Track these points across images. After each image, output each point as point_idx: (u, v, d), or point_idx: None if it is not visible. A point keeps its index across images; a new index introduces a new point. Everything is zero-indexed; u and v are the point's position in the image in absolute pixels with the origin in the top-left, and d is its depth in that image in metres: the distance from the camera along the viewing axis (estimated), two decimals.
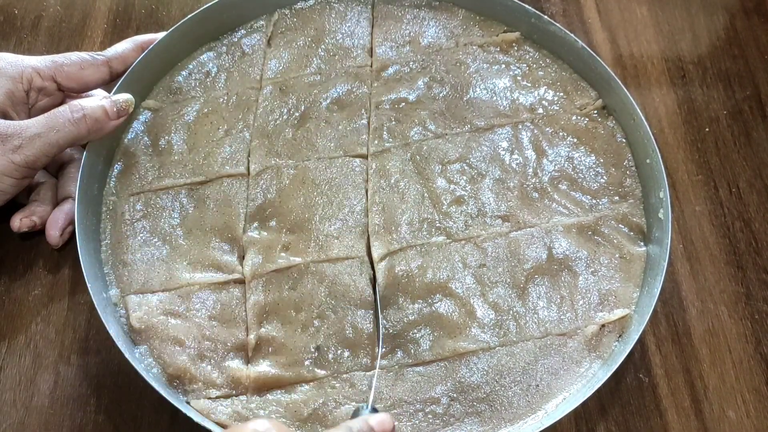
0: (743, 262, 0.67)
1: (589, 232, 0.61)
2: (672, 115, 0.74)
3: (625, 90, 0.64)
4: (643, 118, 0.63)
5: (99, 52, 0.61)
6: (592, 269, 0.60)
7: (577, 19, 0.80)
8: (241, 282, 0.58)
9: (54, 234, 0.59)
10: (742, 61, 0.78)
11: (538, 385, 0.56)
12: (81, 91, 0.62)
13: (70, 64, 0.60)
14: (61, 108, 0.56)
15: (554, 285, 0.59)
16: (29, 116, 0.58)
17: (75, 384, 0.59)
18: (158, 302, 0.57)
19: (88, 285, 0.54)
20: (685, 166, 0.72)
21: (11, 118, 0.56)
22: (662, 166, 0.61)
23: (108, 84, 0.62)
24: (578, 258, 0.60)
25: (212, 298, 0.57)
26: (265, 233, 0.60)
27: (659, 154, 0.62)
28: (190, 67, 0.68)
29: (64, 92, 0.61)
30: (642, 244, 0.62)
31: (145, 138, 0.64)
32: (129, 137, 0.64)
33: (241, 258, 0.59)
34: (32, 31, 0.76)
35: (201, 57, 0.68)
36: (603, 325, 0.58)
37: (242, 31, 0.70)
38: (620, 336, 0.58)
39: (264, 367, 0.55)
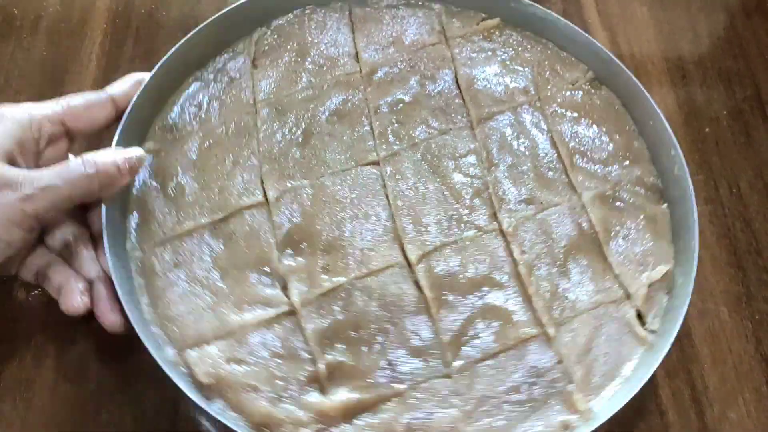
0: (744, 263, 0.67)
1: (610, 200, 0.63)
2: (672, 115, 0.74)
3: (611, 55, 0.66)
4: (636, 80, 0.65)
5: (101, 90, 0.60)
6: (623, 234, 0.62)
7: (577, 19, 0.80)
8: (292, 313, 0.57)
9: (114, 319, 0.56)
10: (743, 61, 0.78)
11: (606, 353, 0.57)
12: (89, 131, 0.60)
13: (77, 105, 0.58)
14: (74, 161, 0.54)
15: (592, 257, 0.60)
16: (37, 166, 0.56)
17: (75, 384, 0.59)
18: (218, 352, 0.56)
19: (153, 353, 0.53)
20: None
21: (20, 167, 0.54)
22: (666, 125, 0.63)
23: (114, 122, 0.61)
24: (606, 225, 0.62)
25: (269, 335, 0.56)
26: (301, 258, 0.59)
27: (661, 114, 0.63)
28: (181, 101, 0.66)
29: (72, 137, 0.59)
30: (662, 202, 0.64)
31: (154, 183, 0.62)
32: (137, 186, 0.62)
33: (284, 288, 0.58)
34: (32, 31, 0.76)
35: (189, 89, 0.66)
36: (650, 285, 0.59)
37: (225, 55, 0.68)
38: (669, 292, 0.60)
39: (343, 394, 0.54)
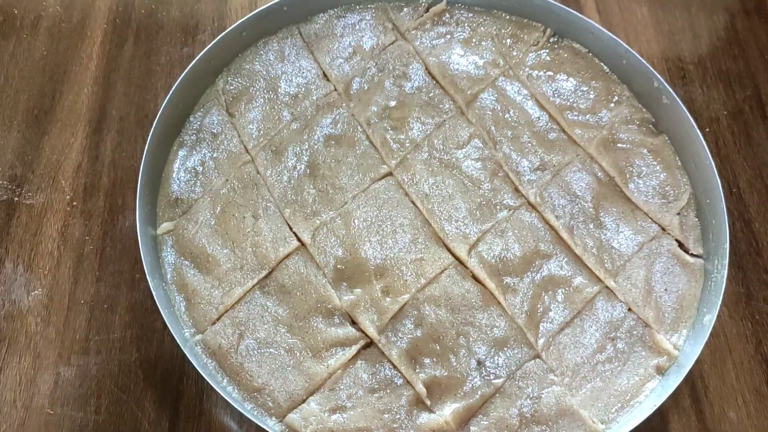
0: (744, 263, 0.67)
1: (612, 144, 0.65)
2: None
3: (567, 9, 0.67)
4: (596, 25, 0.67)
5: None
6: (636, 173, 0.64)
7: None
8: (370, 344, 0.57)
9: None
10: (743, 61, 0.78)
11: (666, 289, 0.60)
12: None
13: None
14: None
15: (618, 202, 0.63)
16: None
17: (75, 384, 0.59)
18: (317, 407, 0.55)
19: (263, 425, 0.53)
20: None
21: None
22: (641, 59, 0.65)
23: None
24: (619, 168, 0.64)
25: (358, 373, 0.56)
26: (358, 289, 0.58)
27: (631, 50, 0.65)
28: (174, 173, 0.63)
29: None
30: (657, 131, 0.66)
31: (185, 262, 0.60)
32: (169, 271, 0.60)
33: (353, 323, 0.58)
34: (32, 31, 0.76)
35: (177, 158, 0.64)
36: (678, 213, 0.62)
37: (198, 113, 0.66)
38: (696, 212, 0.63)
39: (450, 406, 0.55)
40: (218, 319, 0.58)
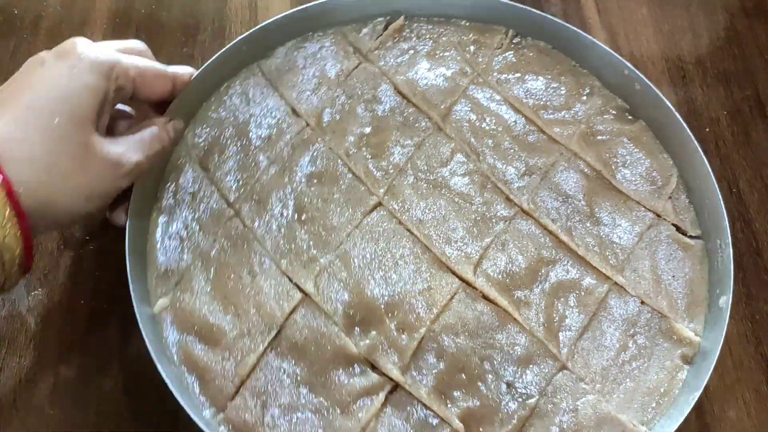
0: (744, 263, 0.67)
1: (591, 137, 0.65)
2: None
3: (527, 8, 0.68)
4: (557, 20, 0.67)
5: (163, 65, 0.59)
6: (621, 162, 0.64)
7: (577, 19, 0.80)
8: (397, 388, 0.55)
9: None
10: (742, 61, 0.78)
11: (674, 276, 0.60)
12: (145, 100, 0.58)
13: (147, 69, 0.56)
14: (148, 131, 0.57)
15: (609, 196, 0.63)
16: (97, 128, 0.53)
17: (75, 384, 0.59)
18: None
19: None
20: None
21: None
22: (608, 49, 0.66)
23: (167, 100, 0.60)
24: (603, 161, 0.64)
25: (391, 421, 0.54)
26: (372, 332, 0.57)
27: (596, 41, 0.66)
28: (158, 243, 0.60)
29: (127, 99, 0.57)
30: (632, 118, 0.67)
31: (189, 338, 0.57)
32: (175, 350, 0.56)
33: (374, 368, 0.56)
34: (32, 31, 0.76)
35: (159, 226, 0.61)
36: (669, 197, 0.63)
37: (173, 174, 0.63)
38: (687, 193, 0.63)
39: None
40: (237, 393, 0.55)
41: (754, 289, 0.66)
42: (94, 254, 0.64)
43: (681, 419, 0.52)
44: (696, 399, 0.53)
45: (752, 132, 0.74)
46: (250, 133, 0.64)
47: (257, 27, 0.66)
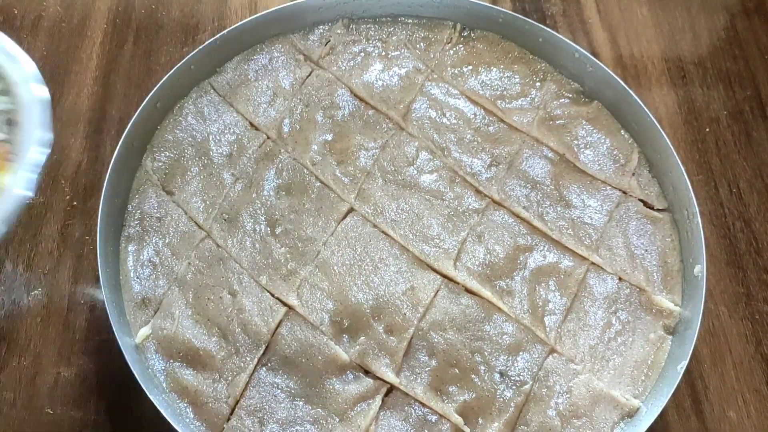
0: (744, 263, 0.68)
1: (550, 122, 0.67)
2: (672, 116, 0.75)
3: (475, 1, 0.69)
4: (505, 10, 0.69)
5: None
6: (582, 143, 0.66)
7: (577, 19, 0.80)
8: (392, 389, 0.56)
9: None
10: (743, 61, 0.79)
11: (647, 250, 0.62)
12: None
13: None
14: None
15: (576, 178, 0.65)
16: None
17: (75, 384, 0.59)
18: None
19: None
20: (686, 166, 0.71)
21: None
22: (558, 35, 0.67)
23: None
24: (566, 145, 0.66)
25: (390, 423, 0.55)
26: (361, 337, 0.57)
27: (548, 29, 0.67)
28: (131, 272, 0.60)
29: None
30: (587, 99, 0.68)
31: (176, 364, 0.57)
32: (162, 378, 0.56)
33: (368, 372, 0.56)
34: (32, 31, 0.76)
35: (130, 255, 0.60)
36: (633, 173, 0.64)
37: (135, 200, 0.63)
38: (649, 168, 0.65)
39: (490, 426, 0.55)
40: (232, 414, 0.55)
41: (754, 289, 0.67)
42: (93, 254, 0.64)
43: (672, 391, 0.54)
44: (684, 368, 0.55)
45: (753, 132, 0.75)
46: (211, 152, 0.64)
47: (205, 43, 0.65)
